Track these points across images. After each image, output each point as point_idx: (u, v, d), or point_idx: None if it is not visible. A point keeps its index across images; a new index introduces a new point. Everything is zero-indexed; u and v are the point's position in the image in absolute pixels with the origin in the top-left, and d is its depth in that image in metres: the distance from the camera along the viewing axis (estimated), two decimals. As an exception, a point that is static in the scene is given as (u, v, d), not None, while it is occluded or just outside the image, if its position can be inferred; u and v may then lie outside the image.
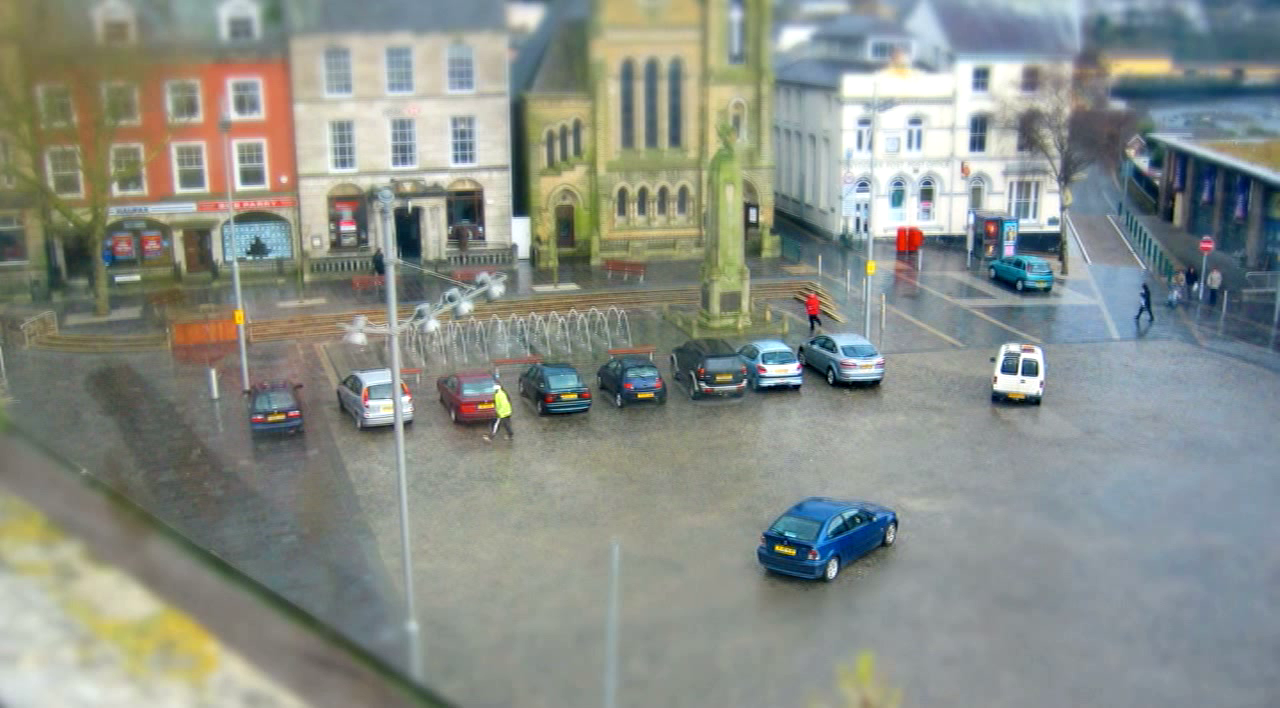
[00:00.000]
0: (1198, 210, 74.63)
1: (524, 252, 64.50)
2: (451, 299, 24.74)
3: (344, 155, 60.94)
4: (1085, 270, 65.22)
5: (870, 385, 44.18)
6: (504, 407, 39.08)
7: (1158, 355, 49.46)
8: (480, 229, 63.92)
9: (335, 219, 61.88)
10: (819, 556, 28.44)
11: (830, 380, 44.48)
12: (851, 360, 44.09)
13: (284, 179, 60.32)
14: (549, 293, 57.57)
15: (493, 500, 34.16)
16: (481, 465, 36.80)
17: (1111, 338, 52.20)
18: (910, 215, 69.89)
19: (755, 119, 66.18)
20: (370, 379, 39.80)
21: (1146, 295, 54.92)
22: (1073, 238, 69.07)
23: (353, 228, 62.21)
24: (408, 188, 60.92)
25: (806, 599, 28.29)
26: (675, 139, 65.61)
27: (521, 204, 64.29)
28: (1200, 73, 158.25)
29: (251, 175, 59.80)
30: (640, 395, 41.72)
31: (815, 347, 46.12)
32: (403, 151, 61.64)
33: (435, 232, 62.40)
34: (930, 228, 69.26)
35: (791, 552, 28.61)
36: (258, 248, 61.38)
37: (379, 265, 54.52)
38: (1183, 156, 77.43)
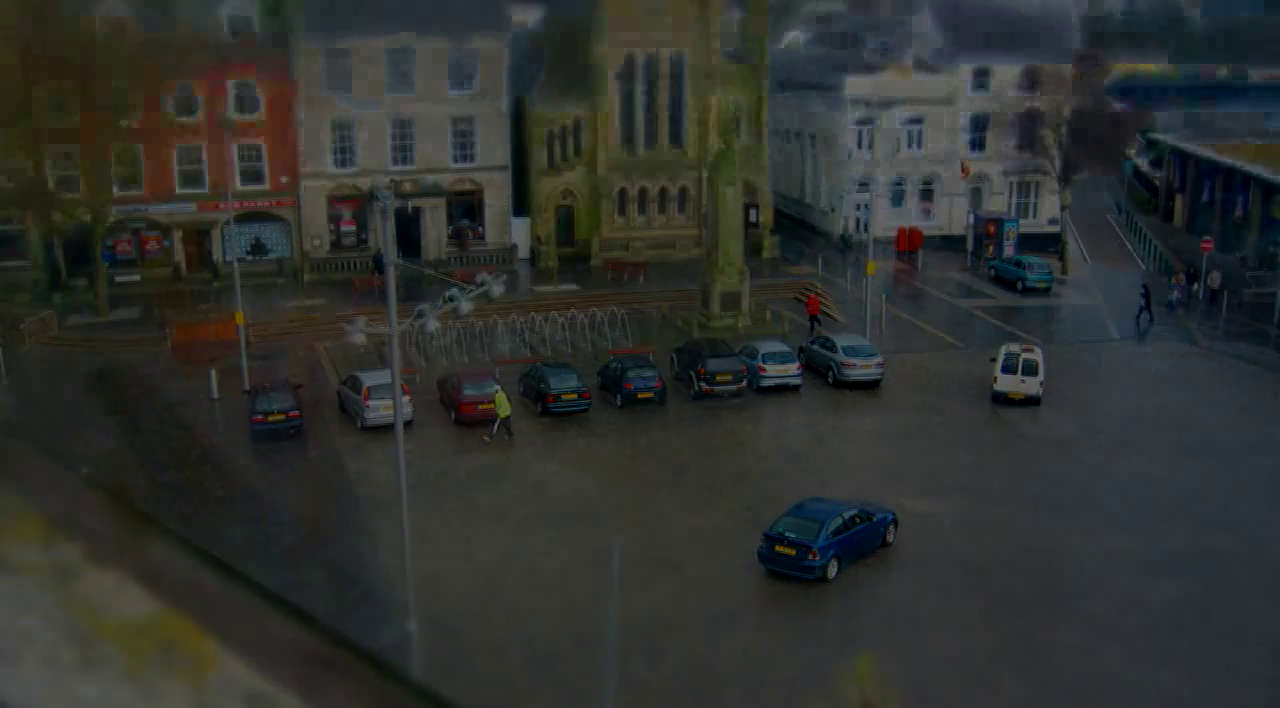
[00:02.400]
0: (1198, 210, 74.56)
1: (524, 252, 64.47)
2: (451, 299, 24.75)
3: (344, 155, 60.92)
4: (1085, 270, 65.21)
5: (870, 385, 44.16)
6: (504, 407, 39.07)
7: (1158, 355, 49.45)
8: (480, 229, 63.90)
9: (335, 219, 61.84)
10: (819, 556, 28.43)
11: (830, 380, 44.46)
12: (851, 360, 44.08)
13: (284, 179, 60.30)
14: (549, 293, 57.54)
15: (493, 500, 34.15)
16: (481, 465, 36.80)
17: (1111, 338, 52.18)
18: (910, 215, 69.87)
19: (755, 119, 66.14)
20: (370, 379, 39.77)
21: (1146, 295, 54.87)
22: (1073, 238, 69.02)
23: (353, 228, 62.18)
24: (408, 188, 60.89)
25: (806, 599, 28.29)
26: (675, 139, 65.58)
27: (521, 204, 64.26)
28: (1200, 73, 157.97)
29: (251, 175, 59.75)
30: (640, 395, 41.71)
31: (815, 347, 46.11)
32: (403, 152, 61.61)
33: (435, 232, 62.38)
34: (930, 228, 69.20)
35: (791, 552, 28.60)
36: (258, 248, 61.35)
37: (379, 265, 54.49)
38: (1183, 156, 77.32)
